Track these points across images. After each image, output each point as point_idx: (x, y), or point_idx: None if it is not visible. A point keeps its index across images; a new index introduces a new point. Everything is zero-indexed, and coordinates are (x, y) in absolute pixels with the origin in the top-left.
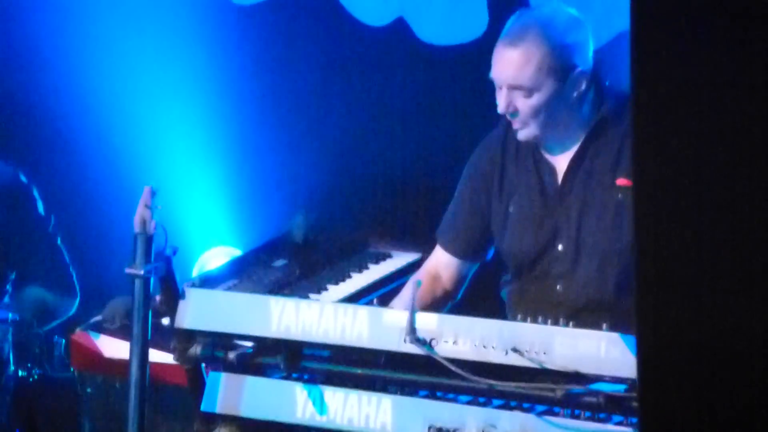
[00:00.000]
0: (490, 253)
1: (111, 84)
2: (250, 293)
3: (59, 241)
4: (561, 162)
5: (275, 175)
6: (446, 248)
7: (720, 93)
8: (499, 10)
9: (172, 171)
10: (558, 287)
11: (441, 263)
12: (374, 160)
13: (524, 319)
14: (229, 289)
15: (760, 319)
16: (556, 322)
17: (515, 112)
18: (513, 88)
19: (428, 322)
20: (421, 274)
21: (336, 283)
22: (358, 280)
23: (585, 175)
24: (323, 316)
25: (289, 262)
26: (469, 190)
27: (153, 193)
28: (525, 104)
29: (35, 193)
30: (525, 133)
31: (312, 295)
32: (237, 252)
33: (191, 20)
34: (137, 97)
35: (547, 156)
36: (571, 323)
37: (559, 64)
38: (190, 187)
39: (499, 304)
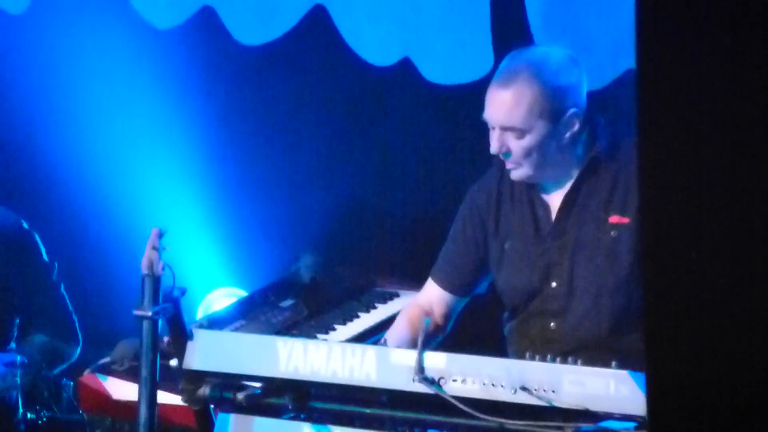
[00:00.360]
0: (481, 287)
1: (112, 128)
2: (258, 334)
3: (62, 289)
4: (555, 199)
5: (279, 214)
6: (441, 284)
7: (726, 96)
8: (504, 49)
9: (173, 212)
10: (552, 324)
11: (434, 298)
12: (380, 200)
13: (521, 356)
14: (236, 329)
15: None
16: (564, 360)
17: (508, 153)
18: (505, 129)
19: (436, 361)
20: (413, 308)
21: (344, 322)
22: (366, 320)
23: (578, 212)
24: (331, 357)
25: (297, 302)
26: (465, 228)
27: (160, 235)
28: (517, 145)
29: (38, 240)
30: (518, 173)
31: (320, 335)
32: (241, 292)
33: (193, 60)
34: (137, 140)
35: (542, 194)
36: (579, 361)
37: (552, 106)
38: (193, 228)
39: (503, 341)
